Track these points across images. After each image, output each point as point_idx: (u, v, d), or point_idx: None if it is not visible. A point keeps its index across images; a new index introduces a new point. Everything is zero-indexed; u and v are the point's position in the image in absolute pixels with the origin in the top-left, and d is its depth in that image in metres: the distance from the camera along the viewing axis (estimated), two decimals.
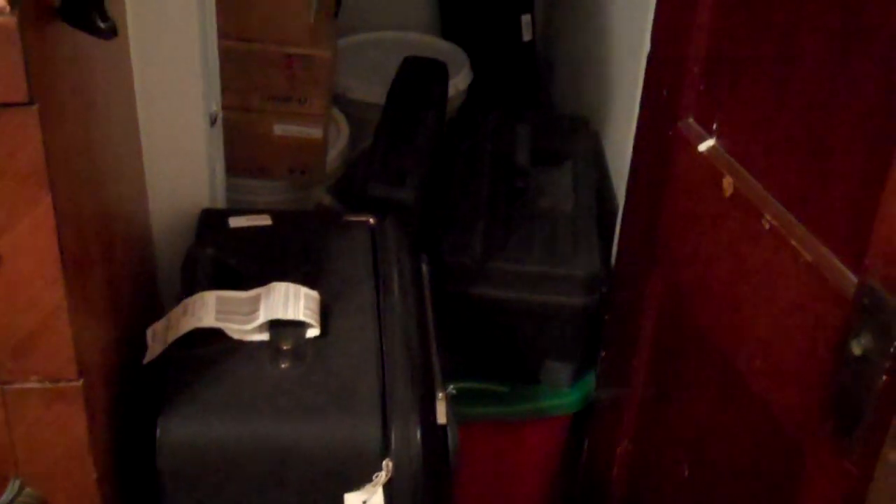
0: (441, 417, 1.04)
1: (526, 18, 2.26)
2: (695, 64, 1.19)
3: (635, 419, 1.45)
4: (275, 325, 1.07)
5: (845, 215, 0.93)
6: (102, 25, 0.79)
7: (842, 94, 0.92)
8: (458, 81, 2.12)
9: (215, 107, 1.31)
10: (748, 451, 1.14)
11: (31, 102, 0.73)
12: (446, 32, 2.35)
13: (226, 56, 1.56)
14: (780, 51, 1.02)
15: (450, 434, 1.05)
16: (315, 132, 1.66)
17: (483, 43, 2.28)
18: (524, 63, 2.32)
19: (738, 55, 1.12)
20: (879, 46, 0.86)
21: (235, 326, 1.05)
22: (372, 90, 1.97)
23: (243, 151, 1.64)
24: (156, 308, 1.25)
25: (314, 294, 1.10)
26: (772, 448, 1.09)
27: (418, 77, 1.83)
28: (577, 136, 1.93)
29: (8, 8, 0.70)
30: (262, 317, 1.06)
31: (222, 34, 1.51)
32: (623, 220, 1.47)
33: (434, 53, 2.07)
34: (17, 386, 0.85)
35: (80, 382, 0.85)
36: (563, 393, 1.67)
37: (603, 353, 1.56)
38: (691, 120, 1.21)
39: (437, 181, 1.71)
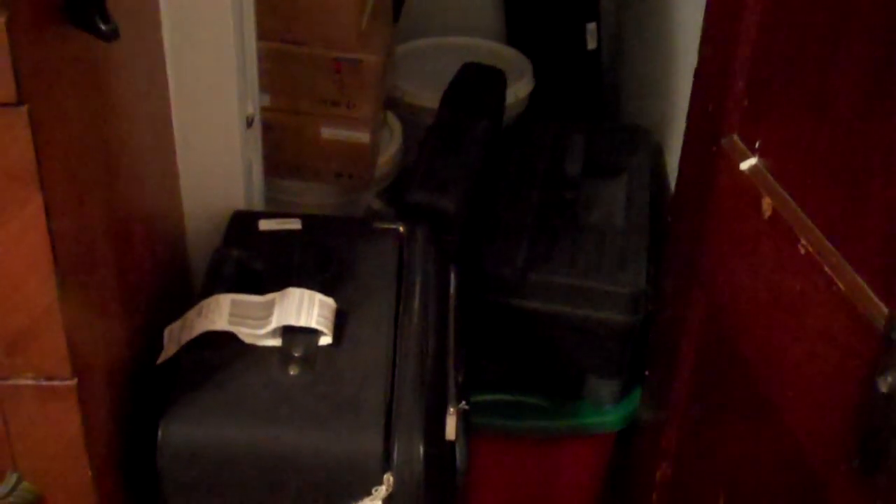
0: (450, 433, 1.02)
1: (591, 27, 2.22)
2: (740, 79, 1.16)
3: (676, 442, 1.41)
4: (288, 332, 1.06)
5: (880, 245, 0.89)
6: (103, 27, 0.79)
7: (881, 121, 0.88)
8: (519, 89, 2.09)
9: (251, 108, 1.31)
10: (779, 484, 1.10)
11: (20, 103, 0.73)
12: (511, 39, 2.33)
13: (274, 58, 1.57)
14: (822, 72, 0.98)
15: (458, 451, 1.02)
16: (362, 136, 1.65)
17: (547, 50, 2.25)
18: (588, 72, 2.28)
19: (782, 73, 1.08)
20: None
21: (247, 331, 1.05)
22: (429, 95, 1.96)
23: (290, 154, 1.64)
24: (186, 308, 1.25)
25: (329, 301, 1.08)
26: (800, 482, 1.05)
27: (474, 84, 1.81)
28: (637, 147, 1.88)
29: None
30: (275, 322, 1.05)
31: (271, 36, 1.52)
32: (668, 237, 1.44)
33: (497, 60, 2.05)
34: (11, 382, 0.85)
35: (74, 381, 0.85)
36: (605, 410, 1.64)
37: (647, 373, 1.52)
38: (735, 137, 1.17)
39: (485, 190, 1.68)
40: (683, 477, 1.39)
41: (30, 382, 0.85)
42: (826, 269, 0.96)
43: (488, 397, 1.60)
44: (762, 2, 1.11)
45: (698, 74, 1.28)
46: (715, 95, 1.22)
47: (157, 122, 1.20)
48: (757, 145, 1.12)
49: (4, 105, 0.72)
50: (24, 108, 0.73)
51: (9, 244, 0.78)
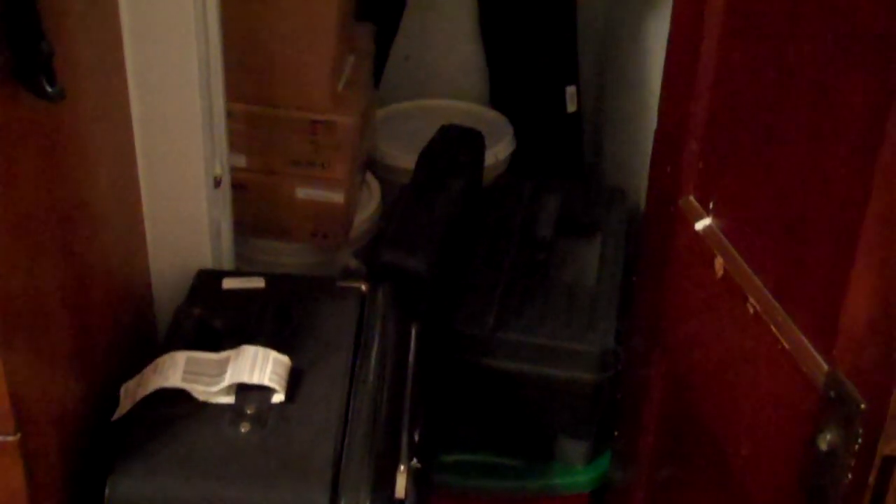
0: (399, 492, 1.02)
1: (571, 90, 2.26)
2: (694, 140, 1.17)
3: None
4: (241, 389, 1.07)
5: (820, 302, 0.90)
6: (49, 90, 0.82)
7: (818, 181, 0.90)
8: (499, 150, 2.12)
9: (220, 169, 1.33)
10: None
11: None
12: (494, 101, 2.37)
13: (250, 120, 1.60)
14: (767, 134, 1.01)
15: None
16: (337, 196, 1.68)
17: (528, 113, 2.28)
18: (568, 134, 2.31)
19: (732, 134, 1.10)
20: (848, 142, 0.85)
21: (201, 388, 1.06)
22: (409, 157, 1.98)
23: (266, 213, 1.67)
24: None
25: (284, 359, 1.09)
26: None
27: (451, 145, 1.84)
28: (612, 207, 1.90)
29: None
30: (228, 379, 1.06)
31: (247, 99, 1.55)
32: (634, 296, 1.45)
33: (479, 122, 2.08)
34: None
35: (17, 437, 0.86)
36: (577, 471, 1.63)
37: (616, 433, 1.52)
38: (691, 197, 1.19)
39: (461, 249, 1.70)
40: None
41: None
42: (772, 327, 0.96)
43: (459, 457, 1.60)
44: (714, 62, 1.13)
45: (658, 135, 1.30)
46: (673, 156, 1.23)
47: (122, 182, 1.22)
48: (711, 206, 1.14)
49: None
50: None
51: None
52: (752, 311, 1.01)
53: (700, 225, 1.15)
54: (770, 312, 0.98)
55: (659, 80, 1.92)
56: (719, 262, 1.09)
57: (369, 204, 1.93)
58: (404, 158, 2.02)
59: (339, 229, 1.73)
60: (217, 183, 1.33)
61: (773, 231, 1.00)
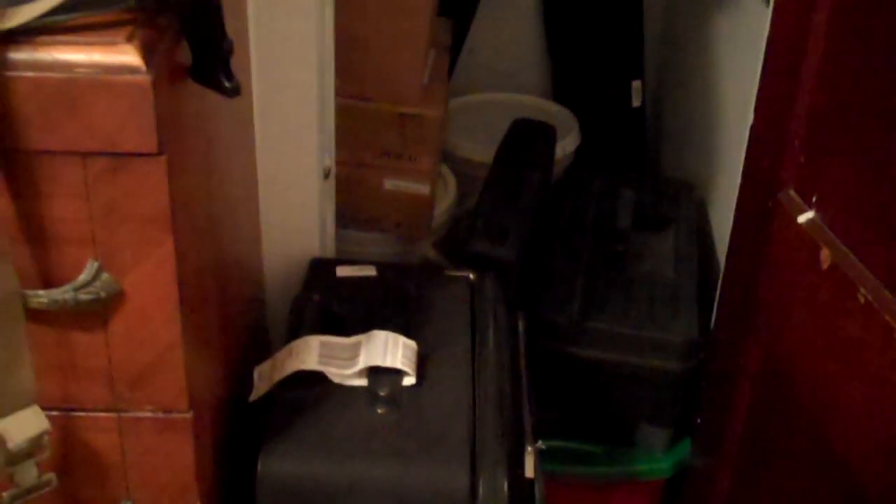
0: (529, 471, 1.07)
1: (636, 84, 2.30)
2: (796, 137, 1.21)
3: (728, 490, 1.44)
4: (373, 372, 1.12)
5: None
6: (228, 85, 0.86)
7: None
8: (567, 144, 2.16)
9: (329, 161, 1.38)
10: None
11: (160, 153, 0.80)
12: (558, 96, 2.41)
13: (342, 113, 1.64)
14: (881, 128, 1.03)
15: (537, 488, 1.07)
16: (423, 188, 1.73)
17: (593, 107, 2.32)
18: (633, 128, 2.35)
19: (838, 131, 1.13)
20: None
21: (336, 371, 1.11)
22: (481, 149, 2.03)
23: (353, 204, 1.71)
24: (264, 350, 1.31)
25: (412, 344, 1.14)
26: None
27: (526, 138, 1.88)
28: (682, 202, 1.94)
29: (144, 67, 0.77)
30: (362, 363, 1.11)
31: (340, 93, 1.59)
32: (722, 287, 1.48)
33: (544, 116, 2.12)
34: (131, 414, 0.91)
35: (190, 414, 0.91)
36: (656, 458, 1.67)
37: (698, 420, 1.56)
38: (791, 192, 1.22)
39: (539, 241, 1.75)
40: None
41: (149, 415, 0.91)
42: (886, 317, 1.00)
43: (544, 444, 1.65)
44: (818, 64, 1.16)
45: (754, 132, 1.34)
46: (771, 151, 1.27)
47: (246, 174, 1.27)
48: (814, 199, 1.17)
49: (147, 155, 0.79)
50: (163, 159, 0.80)
51: (142, 283, 0.84)
52: (862, 300, 1.04)
53: (803, 218, 1.18)
54: (882, 302, 1.00)
55: (727, 76, 1.97)
56: (825, 254, 1.12)
57: (445, 196, 1.98)
58: (476, 150, 2.07)
59: (424, 220, 1.77)
60: (326, 174, 1.38)
61: (885, 224, 1.02)
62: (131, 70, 0.77)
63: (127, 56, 0.77)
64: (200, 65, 0.87)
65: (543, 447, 1.10)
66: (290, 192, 1.34)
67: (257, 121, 1.28)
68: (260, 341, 1.37)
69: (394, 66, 1.64)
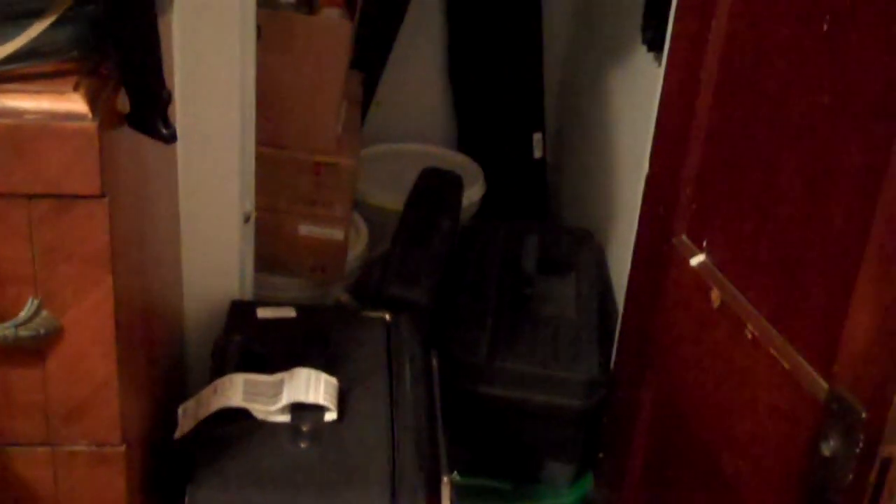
0: (445, 501, 1.12)
1: (537, 136, 2.39)
2: (688, 186, 1.29)
3: None
4: (296, 408, 1.16)
5: (818, 328, 1.01)
6: (165, 132, 0.91)
7: (814, 220, 1.02)
8: (472, 193, 2.25)
9: (249, 206, 1.43)
10: None
11: (102, 195, 0.84)
12: (462, 146, 2.49)
13: (259, 161, 1.69)
14: (763, 181, 1.12)
15: None
16: (337, 234, 1.78)
17: (497, 158, 2.41)
18: (534, 178, 2.44)
19: (726, 180, 1.21)
20: (845, 184, 0.96)
21: (260, 407, 1.15)
22: (390, 197, 2.10)
23: (269, 249, 1.75)
24: (184, 389, 1.34)
25: (333, 380, 1.19)
26: None
27: (435, 186, 1.96)
28: (582, 248, 2.04)
29: (90, 114, 0.82)
30: (286, 399, 1.15)
31: (257, 141, 1.64)
32: (621, 327, 1.56)
33: (451, 166, 2.19)
34: (66, 448, 0.94)
35: (123, 448, 0.95)
36: (561, 493, 1.74)
37: (600, 455, 1.62)
38: (684, 237, 1.30)
39: (449, 284, 1.81)
40: None
41: (83, 449, 0.94)
42: (772, 350, 1.07)
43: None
44: (708, 114, 1.24)
45: (649, 182, 1.42)
46: (665, 200, 1.35)
47: (170, 216, 1.31)
48: (704, 244, 1.26)
49: (90, 197, 0.84)
50: (105, 200, 0.85)
51: (80, 320, 0.88)
52: (750, 336, 1.12)
53: (695, 261, 1.26)
54: (768, 337, 1.08)
55: (619, 129, 2.07)
56: (715, 294, 1.20)
57: (358, 242, 2.04)
58: (386, 198, 2.13)
59: (338, 265, 1.83)
60: (247, 218, 1.42)
61: (769, 265, 1.11)
62: (78, 117, 0.81)
63: (74, 104, 0.81)
64: (138, 112, 0.91)
65: (458, 478, 1.15)
66: (212, 235, 1.38)
67: (181, 167, 1.32)
68: (179, 380, 1.40)
69: (310, 116, 1.70)
